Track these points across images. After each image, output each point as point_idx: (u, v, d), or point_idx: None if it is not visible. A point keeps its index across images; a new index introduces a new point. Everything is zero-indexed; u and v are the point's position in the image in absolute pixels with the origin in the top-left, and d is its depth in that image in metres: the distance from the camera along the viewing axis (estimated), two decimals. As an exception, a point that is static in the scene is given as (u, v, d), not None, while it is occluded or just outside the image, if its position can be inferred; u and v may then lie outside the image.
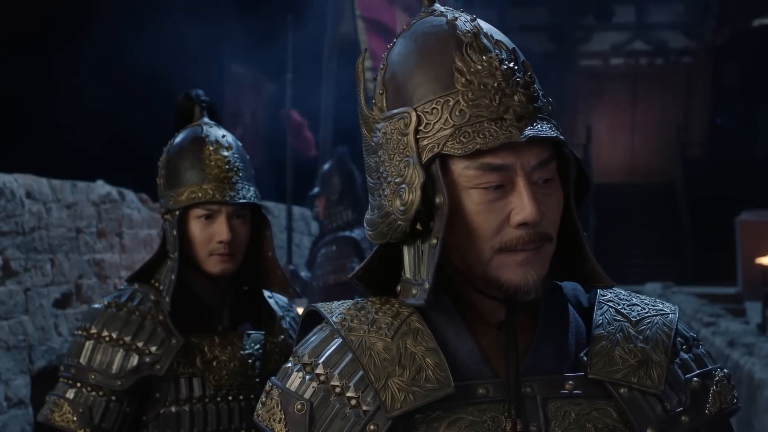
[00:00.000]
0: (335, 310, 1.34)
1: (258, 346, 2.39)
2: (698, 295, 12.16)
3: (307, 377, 1.29)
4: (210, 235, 2.29)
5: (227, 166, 2.33)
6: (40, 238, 4.93)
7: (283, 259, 7.37)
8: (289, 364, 1.34)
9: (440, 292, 1.30)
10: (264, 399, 1.33)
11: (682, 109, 20.23)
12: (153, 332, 2.27)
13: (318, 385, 1.28)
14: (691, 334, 1.38)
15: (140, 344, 2.27)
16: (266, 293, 2.47)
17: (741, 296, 12.98)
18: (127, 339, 2.27)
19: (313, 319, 1.38)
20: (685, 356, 1.34)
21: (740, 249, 14.08)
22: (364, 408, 1.24)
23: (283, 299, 2.52)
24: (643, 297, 1.40)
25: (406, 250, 1.31)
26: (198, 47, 8.29)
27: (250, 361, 2.36)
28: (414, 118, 1.25)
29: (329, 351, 1.30)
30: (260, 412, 1.33)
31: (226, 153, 2.34)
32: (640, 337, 1.31)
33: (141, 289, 2.35)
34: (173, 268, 2.29)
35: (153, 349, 2.26)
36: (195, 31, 7.93)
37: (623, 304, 1.36)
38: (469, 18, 1.29)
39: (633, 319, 1.33)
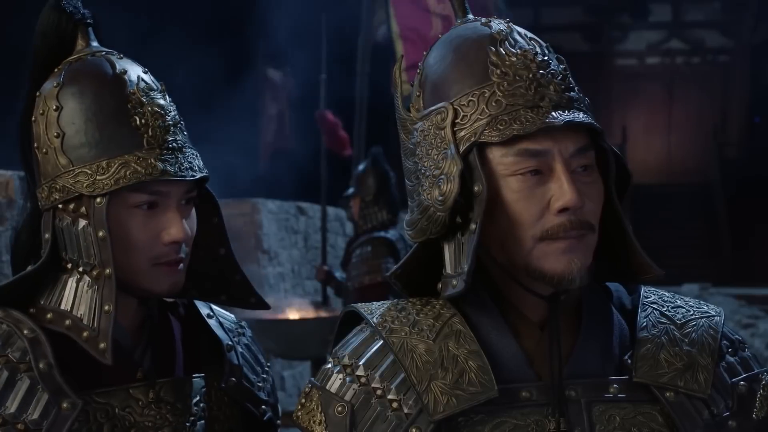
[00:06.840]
0: (375, 311, 1.34)
1: (198, 397, 1.53)
2: (736, 296, 12.05)
3: (348, 379, 1.29)
4: (154, 233, 1.46)
5: (170, 121, 1.47)
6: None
7: (318, 260, 7.38)
8: (329, 365, 1.34)
9: (482, 290, 1.29)
10: (303, 400, 1.34)
11: (719, 108, 20.02)
12: (29, 392, 1.42)
13: (359, 387, 1.28)
14: (737, 336, 1.36)
15: (9, 413, 1.41)
16: (203, 309, 1.62)
17: (780, 297, 12.82)
18: None
19: (351, 319, 1.38)
20: (731, 360, 1.32)
21: (779, 250, 13.92)
22: (406, 411, 1.24)
23: (228, 317, 1.65)
24: (687, 299, 1.39)
25: (446, 246, 1.31)
26: (231, 47, 8.33)
27: (188, 424, 1.50)
28: (451, 112, 1.26)
29: (370, 352, 1.30)
30: (299, 413, 1.34)
31: (161, 100, 1.47)
32: (686, 340, 1.30)
33: (8, 318, 1.47)
34: (106, 291, 1.44)
35: (31, 419, 1.41)
36: (228, 30, 7.96)
37: (667, 306, 1.35)
38: (502, 20, 1.31)
39: (678, 322, 1.32)
